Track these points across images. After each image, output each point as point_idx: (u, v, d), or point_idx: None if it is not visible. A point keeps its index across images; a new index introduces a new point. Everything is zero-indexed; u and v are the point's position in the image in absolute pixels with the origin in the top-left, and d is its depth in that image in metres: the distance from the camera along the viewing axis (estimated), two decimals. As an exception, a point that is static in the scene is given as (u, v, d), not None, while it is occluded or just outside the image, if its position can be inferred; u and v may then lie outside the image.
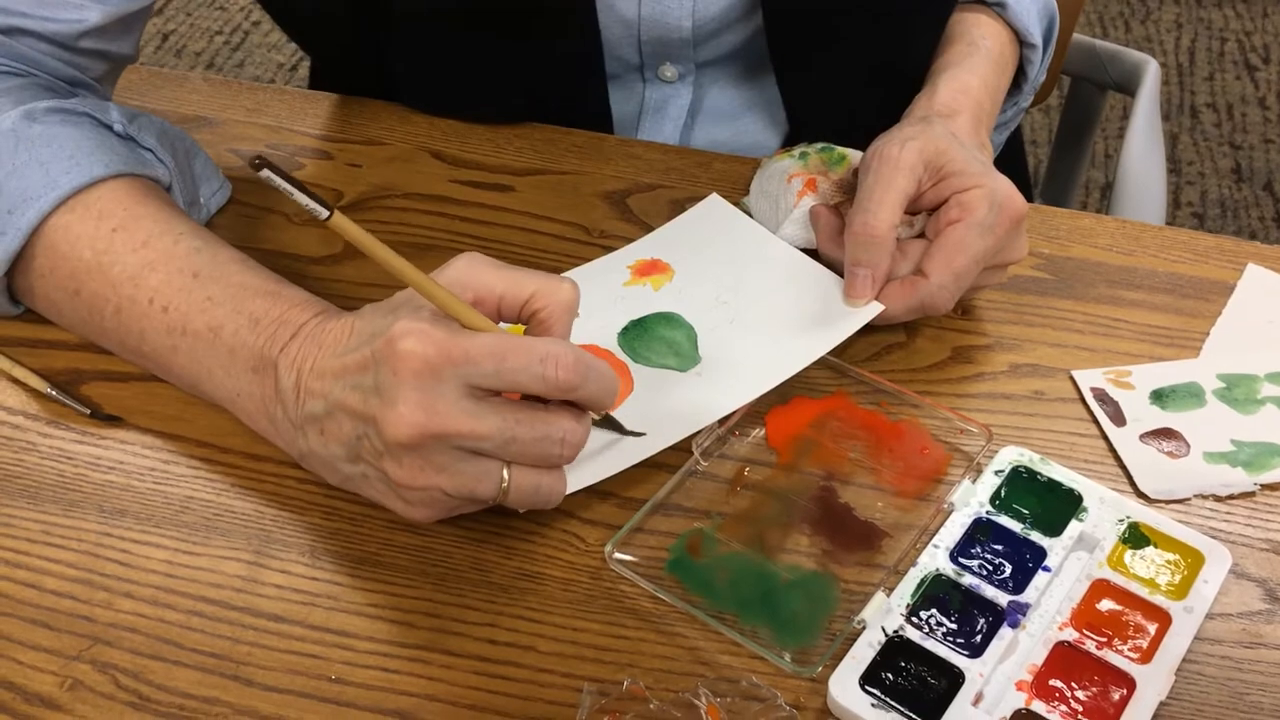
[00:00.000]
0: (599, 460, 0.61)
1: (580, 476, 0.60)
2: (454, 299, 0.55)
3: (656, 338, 0.68)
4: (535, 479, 0.56)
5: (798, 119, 0.86)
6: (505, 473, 0.55)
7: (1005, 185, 0.69)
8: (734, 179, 0.81)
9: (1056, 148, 1.28)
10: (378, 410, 0.54)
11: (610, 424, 0.62)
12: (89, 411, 0.65)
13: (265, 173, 0.50)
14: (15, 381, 0.66)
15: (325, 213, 0.52)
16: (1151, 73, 1.12)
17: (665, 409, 0.64)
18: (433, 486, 0.55)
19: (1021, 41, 0.84)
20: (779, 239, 0.74)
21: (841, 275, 0.70)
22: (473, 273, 0.57)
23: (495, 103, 0.84)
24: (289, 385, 0.58)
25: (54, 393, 0.66)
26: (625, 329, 0.69)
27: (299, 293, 0.63)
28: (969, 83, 0.78)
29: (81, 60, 0.73)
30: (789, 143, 0.85)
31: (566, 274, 0.71)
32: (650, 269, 0.73)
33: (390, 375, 0.53)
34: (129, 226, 0.64)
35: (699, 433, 0.63)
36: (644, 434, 0.62)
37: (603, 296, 0.71)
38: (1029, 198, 1.03)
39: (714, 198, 0.77)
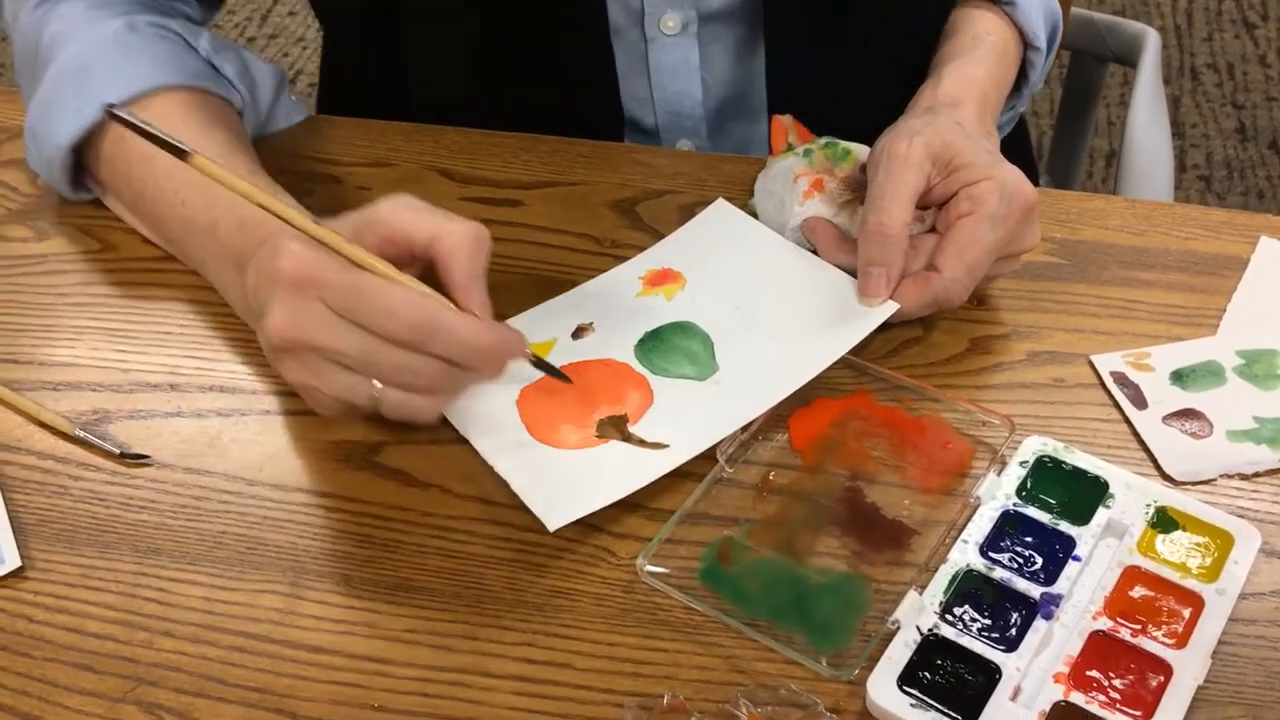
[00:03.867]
0: (625, 473, 0.62)
1: (608, 492, 0.60)
2: (333, 235, 0.59)
3: (673, 348, 0.68)
4: (404, 398, 0.60)
5: (787, 75, 0.85)
6: (377, 385, 0.59)
7: (1015, 175, 0.69)
8: (743, 180, 0.81)
9: (1060, 122, 1.28)
10: (263, 316, 0.59)
11: (542, 366, 0.63)
12: (118, 451, 0.65)
13: (122, 111, 0.57)
14: (43, 425, 0.67)
15: (186, 150, 0.59)
16: (1152, 43, 1.12)
17: (687, 420, 0.64)
18: (310, 387, 0.60)
19: (1026, 43, 0.84)
20: (787, 241, 0.74)
21: (852, 276, 0.70)
22: (387, 213, 0.61)
23: (494, 67, 0.84)
24: (250, 284, 0.63)
25: (82, 434, 0.66)
26: (642, 341, 0.69)
27: (288, 203, 0.66)
28: (974, 74, 0.78)
29: None
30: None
31: (578, 288, 0.72)
32: (661, 279, 0.73)
33: (266, 285, 0.59)
34: (177, 128, 0.70)
35: (722, 440, 0.64)
36: (667, 445, 0.63)
37: (617, 309, 0.71)
38: (1034, 174, 1.04)
39: (720, 203, 0.77)
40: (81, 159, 0.76)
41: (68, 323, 0.73)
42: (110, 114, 0.59)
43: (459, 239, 0.60)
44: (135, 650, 0.57)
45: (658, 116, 0.87)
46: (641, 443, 0.63)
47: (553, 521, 0.59)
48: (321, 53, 1.03)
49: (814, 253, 0.73)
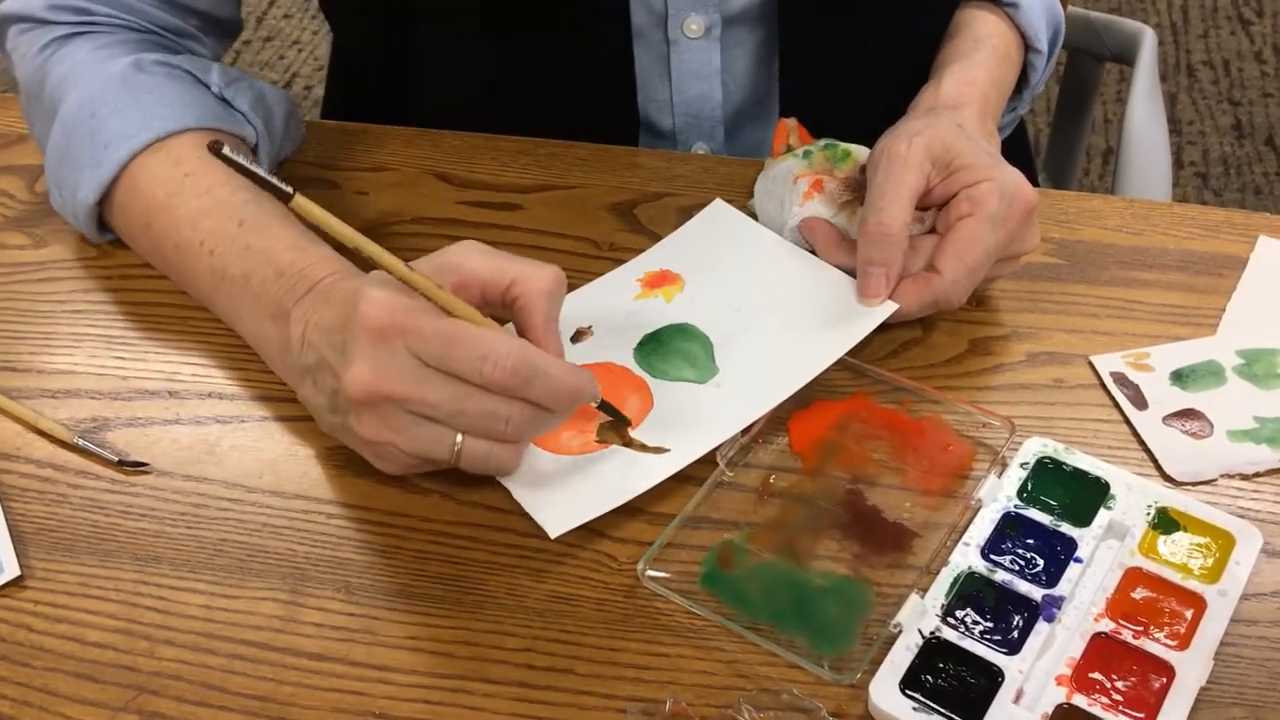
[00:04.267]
0: (626, 479, 0.62)
1: (609, 498, 0.60)
2: (426, 280, 0.58)
3: (673, 351, 0.68)
4: (486, 449, 0.59)
5: (801, 76, 0.85)
6: (458, 439, 0.58)
7: (1015, 177, 0.69)
8: (741, 183, 0.81)
9: (1057, 120, 1.28)
10: (340, 367, 0.58)
11: (607, 409, 0.63)
12: (117, 459, 0.65)
13: (225, 150, 0.55)
14: (41, 433, 0.67)
15: (289, 192, 0.57)
16: (1149, 42, 1.12)
17: (687, 423, 0.64)
18: (388, 443, 0.59)
19: (1028, 46, 0.84)
20: (786, 241, 0.74)
21: (851, 276, 0.70)
22: (461, 258, 0.60)
23: (512, 68, 0.84)
24: (296, 335, 0.62)
25: (81, 441, 0.66)
26: (641, 344, 0.69)
27: (325, 251, 0.66)
28: (975, 75, 0.78)
29: (181, 15, 0.79)
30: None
31: (575, 291, 0.72)
32: (660, 280, 0.73)
33: (351, 335, 0.57)
34: (198, 173, 0.70)
35: (722, 444, 0.64)
36: (668, 449, 0.63)
37: (616, 312, 0.71)
38: (1032, 172, 1.04)
39: (718, 203, 0.77)
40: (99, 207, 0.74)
41: (66, 330, 0.73)
42: (213, 151, 0.55)
43: (539, 283, 0.60)
44: (136, 659, 0.57)
45: (675, 120, 0.86)
46: (643, 447, 0.63)
47: (554, 529, 0.59)
48: (330, 53, 1.03)
49: (812, 253, 0.73)
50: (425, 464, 0.61)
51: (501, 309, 0.61)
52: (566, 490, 0.61)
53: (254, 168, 0.56)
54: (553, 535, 0.59)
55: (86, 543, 0.62)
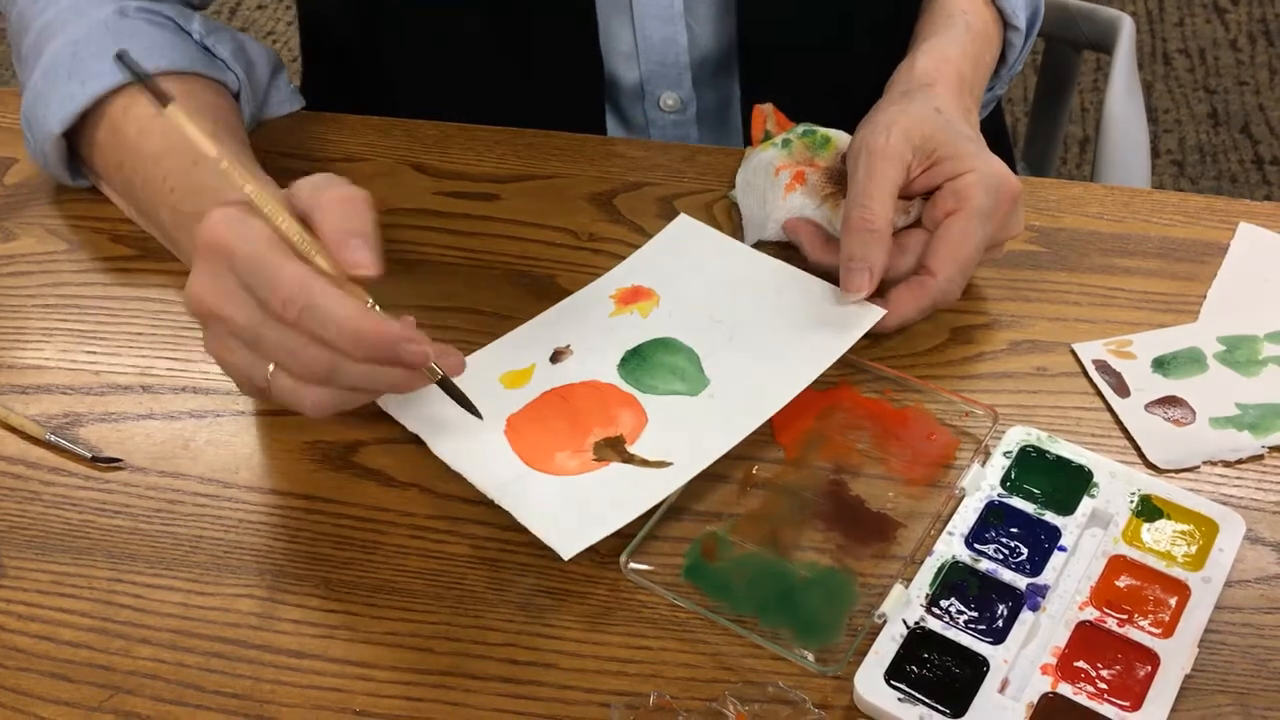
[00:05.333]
0: (633, 494, 0.60)
1: (619, 514, 0.59)
2: (271, 205, 0.58)
3: (658, 365, 0.67)
4: (291, 385, 0.58)
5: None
6: (270, 370, 0.58)
7: (998, 167, 0.68)
8: (721, 172, 0.80)
9: (1035, 109, 1.28)
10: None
11: (448, 388, 0.60)
12: (90, 455, 0.64)
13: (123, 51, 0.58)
14: (12, 430, 0.66)
15: (170, 98, 0.59)
16: (1127, 30, 1.12)
17: (686, 436, 0.63)
18: (221, 362, 0.60)
19: (1006, 24, 0.83)
20: (758, 252, 0.73)
21: (833, 281, 0.69)
22: (292, 191, 0.59)
23: (479, 26, 0.83)
24: None
25: (53, 438, 0.65)
26: (624, 360, 0.67)
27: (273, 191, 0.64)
28: (948, 52, 0.77)
29: None
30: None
31: (550, 310, 0.70)
32: (634, 296, 0.71)
33: (194, 252, 0.58)
34: (169, 113, 0.69)
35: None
36: (671, 463, 0.61)
37: (593, 330, 0.69)
38: (1011, 161, 1.03)
39: (683, 218, 0.76)
40: (75, 145, 0.75)
41: (36, 324, 0.71)
42: (117, 56, 0.58)
43: (325, 201, 0.58)
44: (111, 658, 0.56)
45: (641, 68, 0.85)
46: (644, 462, 0.62)
47: (567, 550, 0.57)
48: (301, 30, 1.02)
49: (795, 250, 0.73)
50: (254, 390, 0.60)
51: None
52: (574, 511, 0.59)
53: (141, 71, 0.59)
54: (566, 557, 0.57)
55: (60, 540, 0.61)
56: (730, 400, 0.65)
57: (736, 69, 0.85)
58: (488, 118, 0.84)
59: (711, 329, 0.68)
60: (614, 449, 0.63)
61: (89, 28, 0.74)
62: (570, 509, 0.60)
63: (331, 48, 0.95)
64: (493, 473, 0.61)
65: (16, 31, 0.79)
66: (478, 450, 0.62)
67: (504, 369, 0.67)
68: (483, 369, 0.66)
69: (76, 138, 0.75)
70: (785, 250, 0.74)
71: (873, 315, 0.67)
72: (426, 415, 0.63)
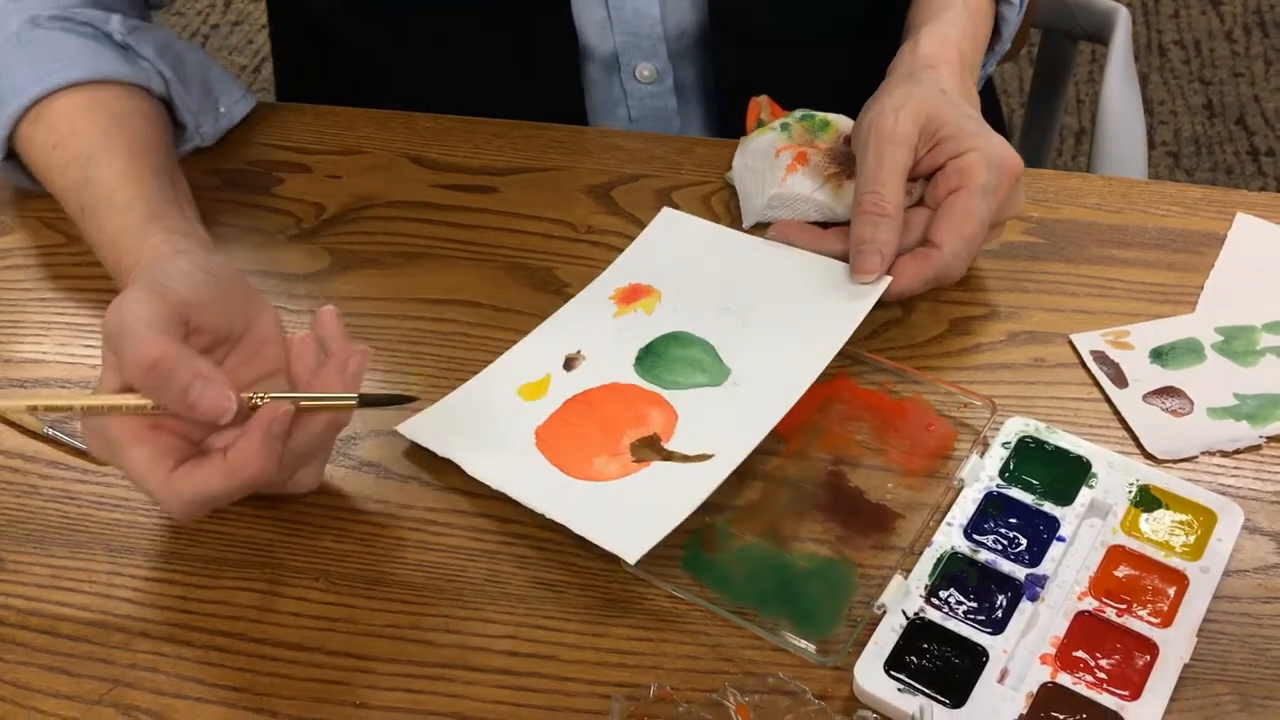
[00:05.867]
0: (684, 489, 0.59)
1: (675, 510, 0.58)
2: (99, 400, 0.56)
3: (675, 359, 0.67)
4: (255, 483, 0.56)
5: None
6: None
7: (1000, 144, 0.69)
8: (717, 163, 0.80)
9: (1031, 99, 1.28)
10: None
11: (368, 402, 0.59)
12: (88, 449, 0.64)
13: None
14: (10, 423, 0.66)
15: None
16: (1123, 21, 1.12)
17: (720, 426, 0.63)
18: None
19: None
20: (753, 237, 0.73)
21: (844, 261, 0.69)
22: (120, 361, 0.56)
23: (473, 100, 0.83)
24: None
25: (51, 431, 0.65)
26: (639, 359, 0.67)
27: (136, 255, 0.64)
28: (949, 35, 0.77)
29: None
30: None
31: (551, 319, 0.69)
32: (633, 295, 0.71)
33: None
34: (63, 144, 0.71)
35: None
36: (712, 454, 0.61)
37: (600, 333, 0.68)
38: (1007, 152, 1.03)
39: (667, 211, 0.76)
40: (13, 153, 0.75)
41: (33, 318, 0.71)
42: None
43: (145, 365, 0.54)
44: (111, 652, 0.56)
45: (616, 40, 0.84)
46: (685, 458, 0.61)
47: (632, 554, 0.56)
48: (270, 24, 1.01)
49: (777, 239, 0.73)
50: (273, 486, 0.59)
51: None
52: (627, 514, 0.59)
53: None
54: (633, 561, 0.57)
55: (58, 534, 0.61)
56: (756, 385, 0.65)
57: (710, 44, 0.85)
58: (462, 91, 0.83)
59: (721, 317, 0.68)
60: (652, 448, 0.62)
61: (1, 42, 0.73)
62: (623, 513, 0.59)
63: (300, 29, 0.94)
64: (536, 487, 0.60)
65: None
66: (515, 467, 0.61)
67: (519, 382, 0.66)
68: (498, 384, 0.66)
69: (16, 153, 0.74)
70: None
71: (881, 283, 0.67)
72: (454, 440, 0.63)
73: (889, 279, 0.68)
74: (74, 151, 0.70)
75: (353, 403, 0.58)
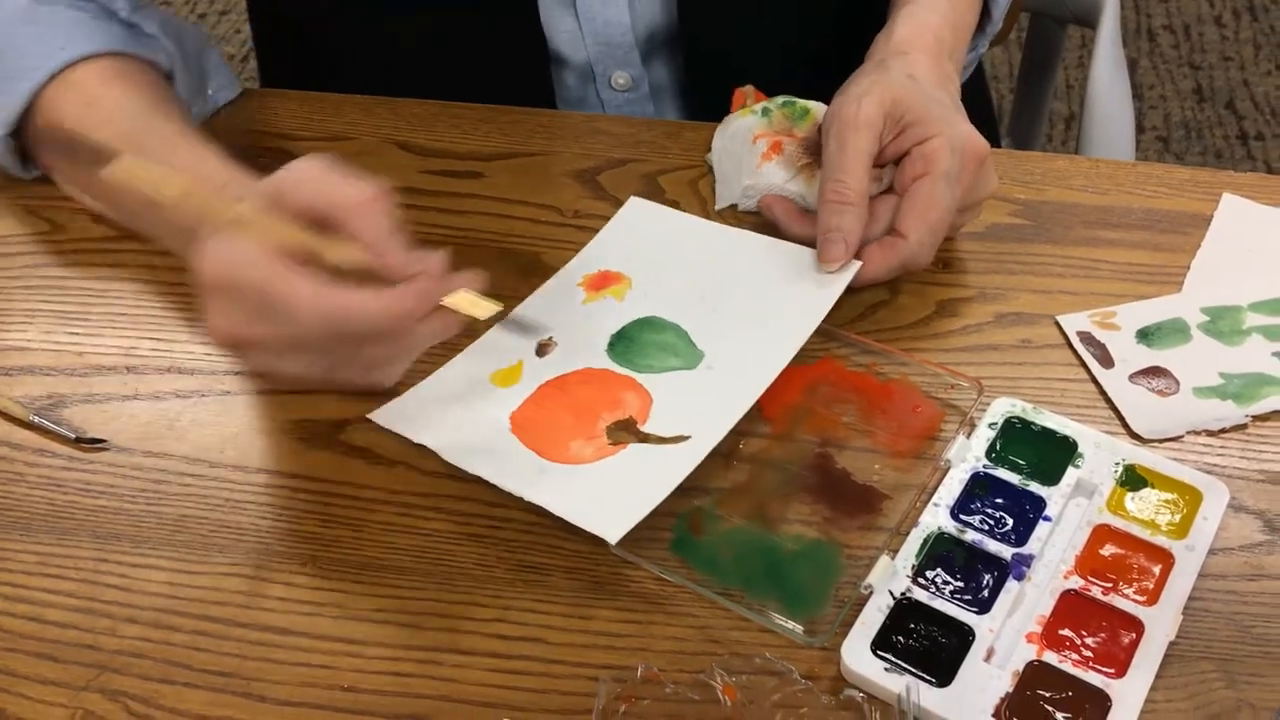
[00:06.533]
0: (662, 470, 0.59)
1: (655, 490, 0.58)
2: (288, 231, 0.58)
3: (647, 344, 0.67)
4: (353, 375, 0.60)
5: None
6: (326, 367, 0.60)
7: (964, 128, 0.69)
8: (705, 148, 0.80)
9: (1020, 84, 1.28)
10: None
11: (510, 325, 0.64)
12: (74, 436, 0.64)
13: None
14: (-5, 411, 0.66)
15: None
16: (1111, 6, 1.12)
17: (695, 409, 0.63)
18: (274, 375, 0.62)
19: None
20: (722, 226, 0.73)
21: (811, 246, 0.69)
22: (295, 185, 0.59)
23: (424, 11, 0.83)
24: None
25: (37, 419, 0.65)
26: (611, 344, 0.67)
27: (218, 165, 0.66)
28: (927, 19, 0.77)
29: None
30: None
31: (520, 305, 0.69)
32: (603, 281, 0.71)
33: (198, 289, 0.59)
34: (97, 102, 0.71)
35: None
36: (689, 436, 0.61)
37: (571, 319, 0.68)
38: (995, 136, 1.03)
39: (634, 200, 0.76)
40: (19, 138, 0.74)
41: (19, 306, 0.71)
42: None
43: (355, 206, 0.59)
44: (98, 638, 0.56)
45: (588, 50, 0.84)
46: (661, 440, 0.61)
47: (614, 534, 0.57)
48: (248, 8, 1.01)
49: (762, 219, 0.73)
50: (311, 383, 0.62)
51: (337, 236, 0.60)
52: (607, 495, 0.59)
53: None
54: (613, 541, 0.57)
55: (44, 521, 0.61)
56: (730, 368, 0.65)
57: (683, 42, 0.85)
58: (437, 98, 0.83)
59: (693, 303, 0.68)
60: (628, 431, 0.62)
61: (5, 18, 0.73)
62: (601, 494, 0.59)
63: (281, 30, 0.94)
64: (512, 471, 0.60)
65: None
66: (488, 452, 0.62)
67: (492, 369, 0.66)
68: (471, 371, 0.66)
69: (18, 132, 0.74)
70: (758, 220, 0.74)
71: (850, 267, 0.68)
72: (428, 426, 0.63)
73: (858, 264, 0.68)
74: (111, 109, 0.70)
75: (492, 311, 0.60)
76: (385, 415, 0.64)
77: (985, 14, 0.85)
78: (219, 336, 0.59)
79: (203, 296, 0.58)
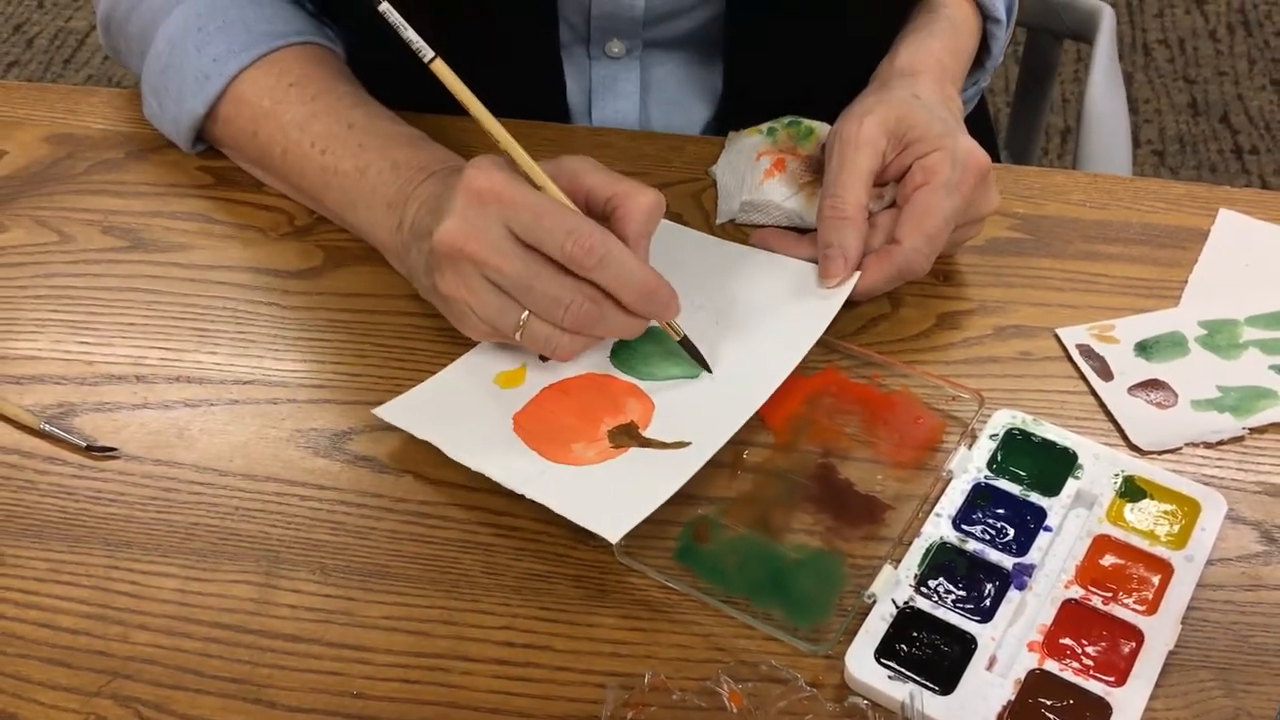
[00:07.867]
0: (663, 473, 0.60)
1: (657, 491, 0.59)
2: (535, 166, 0.62)
3: (650, 352, 0.67)
4: (546, 332, 0.63)
5: (741, 101, 0.85)
6: (524, 316, 0.62)
7: (966, 142, 0.69)
8: (709, 161, 0.81)
9: (1017, 99, 1.29)
10: (432, 224, 0.62)
11: (687, 346, 0.65)
12: (85, 444, 0.64)
13: (384, 6, 0.60)
14: (7, 420, 0.66)
15: (429, 54, 0.61)
16: (1107, 20, 1.13)
17: (698, 414, 0.64)
18: (463, 300, 0.62)
19: (985, 16, 0.84)
20: (724, 241, 0.74)
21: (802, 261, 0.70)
22: (576, 166, 0.65)
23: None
24: (410, 214, 0.68)
25: (47, 427, 0.65)
26: (614, 351, 0.67)
27: (438, 148, 0.72)
28: (930, 45, 0.78)
29: None
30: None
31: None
32: None
33: (450, 196, 0.62)
34: (302, 83, 0.75)
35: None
36: (689, 443, 0.62)
37: None
38: (994, 149, 1.04)
39: None
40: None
41: (29, 315, 0.72)
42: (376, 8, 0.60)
43: (640, 199, 0.63)
44: (109, 644, 0.57)
45: (593, 23, 0.83)
46: (662, 445, 0.62)
47: (615, 533, 0.57)
48: None
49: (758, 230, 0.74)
50: (495, 333, 0.64)
51: (600, 219, 0.63)
52: (608, 495, 0.60)
53: (403, 28, 0.61)
54: (615, 541, 0.57)
55: (56, 528, 0.61)
56: (732, 377, 0.65)
57: (681, 11, 0.84)
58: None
59: (694, 315, 0.69)
60: (630, 435, 0.63)
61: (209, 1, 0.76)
62: (602, 495, 0.60)
63: None
64: (515, 469, 0.61)
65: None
66: (494, 449, 0.62)
67: (496, 370, 0.67)
68: (476, 372, 0.67)
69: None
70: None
71: (850, 281, 0.69)
72: (433, 424, 0.63)
73: (857, 274, 0.68)
74: (319, 86, 0.75)
75: (679, 334, 0.65)
76: (390, 411, 0.64)
77: (985, 49, 0.86)
78: (448, 238, 0.61)
79: (453, 201, 0.61)
